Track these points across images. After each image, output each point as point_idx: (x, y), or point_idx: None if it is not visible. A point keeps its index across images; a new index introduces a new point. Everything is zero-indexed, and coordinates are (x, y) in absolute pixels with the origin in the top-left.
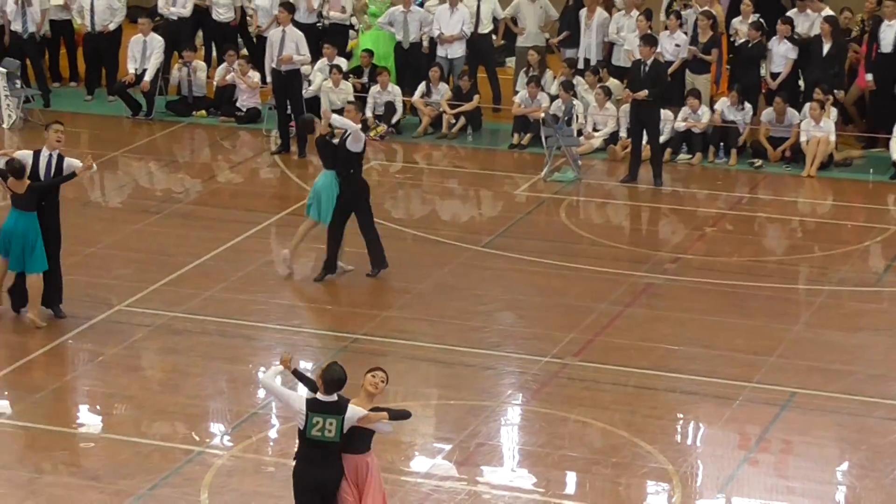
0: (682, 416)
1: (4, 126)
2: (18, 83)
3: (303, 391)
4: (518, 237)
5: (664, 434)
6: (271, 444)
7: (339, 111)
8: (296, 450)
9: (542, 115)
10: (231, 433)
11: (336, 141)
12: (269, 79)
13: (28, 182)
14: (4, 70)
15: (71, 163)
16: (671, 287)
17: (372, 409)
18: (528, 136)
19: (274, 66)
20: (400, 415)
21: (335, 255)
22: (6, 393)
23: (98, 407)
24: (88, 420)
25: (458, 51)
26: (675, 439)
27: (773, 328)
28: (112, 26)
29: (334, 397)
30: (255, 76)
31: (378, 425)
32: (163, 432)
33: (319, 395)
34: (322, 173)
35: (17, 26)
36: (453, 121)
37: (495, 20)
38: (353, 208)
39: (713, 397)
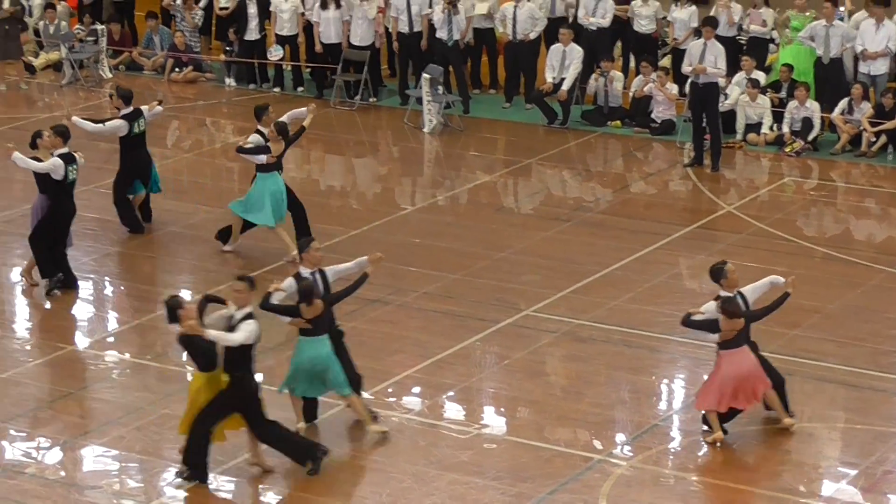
0: None
1: (425, 130)
2: (440, 89)
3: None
4: None
5: None
6: (671, 456)
7: (756, 126)
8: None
9: None
10: (632, 443)
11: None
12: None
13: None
14: (428, 76)
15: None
16: None
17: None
18: None
19: (692, 78)
20: None
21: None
22: (417, 390)
23: (502, 409)
24: (492, 422)
25: (881, 67)
26: None
27: None
28: (532, 35)
29: None
30: (673, 88)
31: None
32: (564, 438)
33: None
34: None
35: (442, 34)
36: (873, 139)
37: None
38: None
39: None
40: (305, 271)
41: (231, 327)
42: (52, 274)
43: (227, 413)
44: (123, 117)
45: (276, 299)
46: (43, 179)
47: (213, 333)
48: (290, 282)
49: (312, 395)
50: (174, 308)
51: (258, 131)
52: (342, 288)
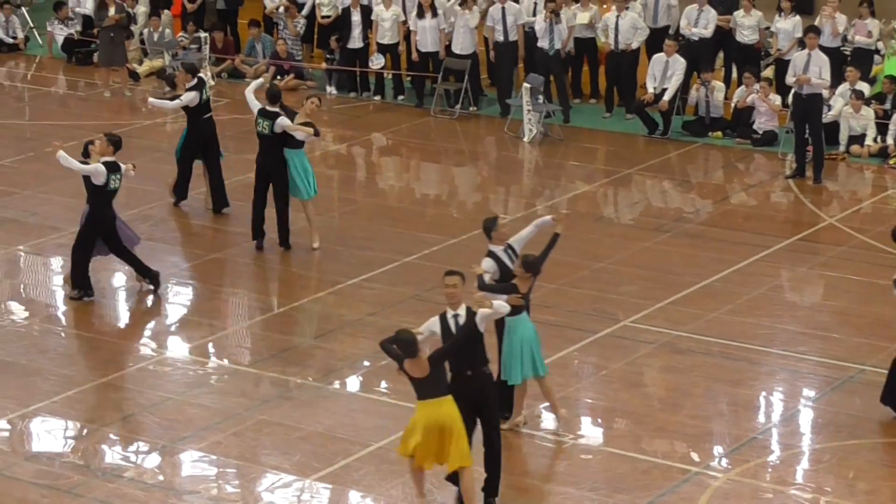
0: None
1: (525, 140)
2: (541, 98)
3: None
4: None
5: None
6: (769, 469)
7: (860, 137)
8: None
9: None
10: (729, 456)
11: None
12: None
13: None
14: (529, 85)
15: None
16: None
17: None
18: None
19: (795, 88)
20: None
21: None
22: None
23: (599, 420)
24: (589, 432)
25: None
26: None
27: None
28: (634, 45)
29: None
30: (776, 99)
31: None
32: (662, 450)
33: None
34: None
35: (544, 43)
36: None
37: None
38: None
39: None
40: (497, 248)
41: (459, 327)
42: (85, 286)
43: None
44: (191, 89)
45: (487, 280)
46: (86, 184)
47: (496, 304)
48: (489, 262)
49: (526, 377)
50: (410, 343)
51: (491, 254)
52: (539, 254)
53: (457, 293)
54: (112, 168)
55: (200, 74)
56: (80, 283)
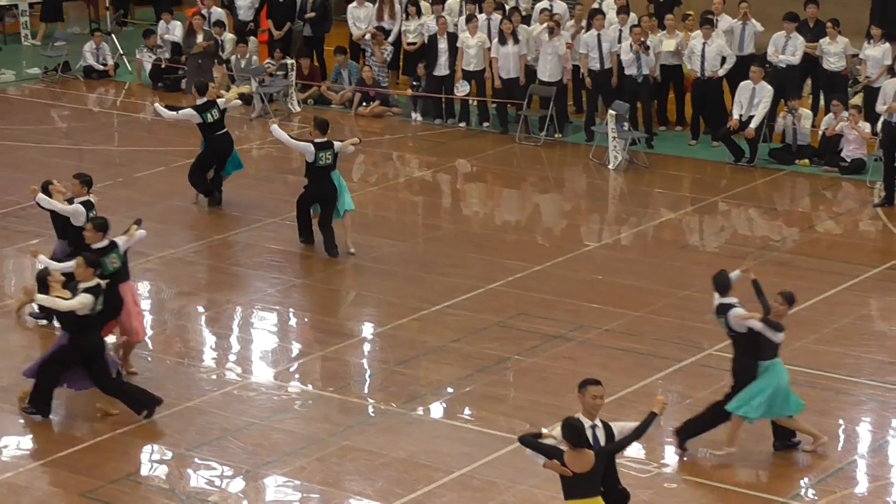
0: None
1: (610, 167)
2: (626, 126)
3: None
4: None
5: None
6: (856, 501)
7: None
8: None
9: None
10: (815, 486)
11: None
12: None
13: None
14: (614, 112)
15: None
16: None
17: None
18: None
19: (885, 116)
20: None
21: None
22: None
23: (683, 449)
24: (673, 461)
25: None
26: None
27: None
28: (721, 72)
29: None
30: (865, 126)
31: None
32: (746, 480)
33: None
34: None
35: (632, 70)
36: None
37: None
38: None
39: None
40: (586, 421)
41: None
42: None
43: None
44: (197, 107)
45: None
46: (63, 224)
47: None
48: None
49: (777, 415)
50: (581, 431)
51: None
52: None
53: (601, 405)
54: (88, 206)
55: (219, 100)
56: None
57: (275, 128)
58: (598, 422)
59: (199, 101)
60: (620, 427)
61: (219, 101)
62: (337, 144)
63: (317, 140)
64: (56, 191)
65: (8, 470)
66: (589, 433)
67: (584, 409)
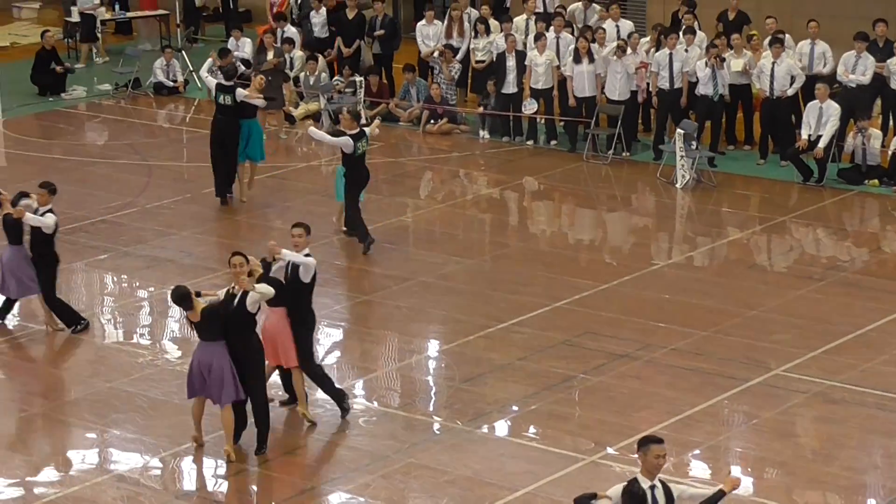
0: None
1: (678, 186)
2: (694, 144)
3: None
4: None
5: None
6: None
7: None
8: None
9: None
10: None
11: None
12: None
13: None
14: (682, 131)
15: None
16: None
17: None
18: None
19: None
20: None
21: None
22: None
23: (749, 469)
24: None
25: None
26: None
27: None
28: (790, 91)
29: None
30: None
31: None
32: (814, 501)
33: None
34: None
35: (707, 90)
36: None
37: None
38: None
39: None
40: (646, 482)
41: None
42: (77, 321)
43: None
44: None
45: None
46: (35, 233)
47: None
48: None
49: None
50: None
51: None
52: None
53: (663, 465)
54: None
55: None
56: (71, 320)
57: (312, 129)
58: (657, 482)
59: (353, 132)
60: (680, 491)
61: (365, 129)
62: (366, 131)
63: (351, 132)
64: (29, 205)
65: (74, 484)
66: (647, 493)
67: (644, 467)
